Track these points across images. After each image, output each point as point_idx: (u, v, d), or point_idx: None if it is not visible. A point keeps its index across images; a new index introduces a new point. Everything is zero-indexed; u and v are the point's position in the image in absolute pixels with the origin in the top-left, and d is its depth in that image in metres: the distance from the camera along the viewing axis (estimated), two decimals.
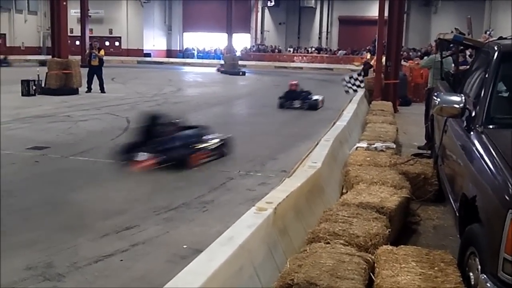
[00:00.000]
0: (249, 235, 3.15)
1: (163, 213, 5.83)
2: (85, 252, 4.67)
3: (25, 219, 5.63)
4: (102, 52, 19.41)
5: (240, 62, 35.44)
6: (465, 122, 4.23)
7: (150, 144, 7.96)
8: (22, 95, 16.98)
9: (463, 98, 4.31)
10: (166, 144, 8.01)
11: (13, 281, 4.12)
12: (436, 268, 3.34)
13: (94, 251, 4.68)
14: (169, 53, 48.59)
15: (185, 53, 48.13)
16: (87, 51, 19.40)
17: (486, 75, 4.39)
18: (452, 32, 7.03)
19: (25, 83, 17.25)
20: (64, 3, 18.22)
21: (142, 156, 7.75)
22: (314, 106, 15.54)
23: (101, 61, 19.09)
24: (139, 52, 45.12)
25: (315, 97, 16.17)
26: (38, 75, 17.67)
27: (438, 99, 4.28)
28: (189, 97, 18.85)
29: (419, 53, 27.58)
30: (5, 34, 42.50)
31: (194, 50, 48.74)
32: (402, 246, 3.72)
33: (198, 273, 2.59)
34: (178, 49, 49.70)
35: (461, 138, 4.32)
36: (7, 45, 42.58)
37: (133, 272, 4.35)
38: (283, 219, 3.85)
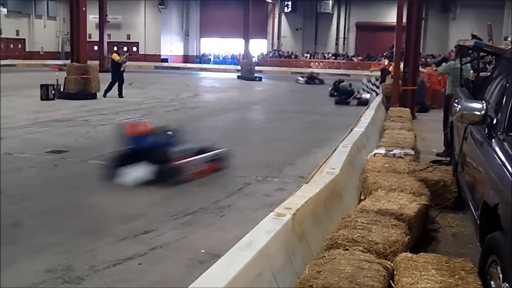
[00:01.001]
0: (268, 240, 3.15)
1: (181, 217, 5.85)
2: (104, 255, 4.70)
3: (45, 222, 5.68)
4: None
5: (256, 68, 35.52)
6: (486, 129, 4.19)
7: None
8: (41, 99, 17.15)
9: (484, 105, 4.27)
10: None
11: (32, 283, 4.16)
12: (456, 276, 3.31)
13: (113, 255, 4.71)
14: (186, 58, 48.85)
15: (202, 59, 48.37)
16: (115, 55, 19.28)
17: (508, 82, 4.34)
18: (472, 38, 6.97)
19: (44, 88, 17.43)
20: (84, 8, 18.43)
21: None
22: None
23: (124, 68, 19.29)
24: (157, 58, 45.41)
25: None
26: (57, 79, 17.86)
27: (459, 106, 4.25)
28: (206, 102, 18.93)
29: (436, 60, 27.39)
30: (24, 39, 43.10)
31: (211, 56, 48.96)
32: (421, 253, 3.69)
33: (217, 278, 2.60)
34: (195, 54, 49.96)
35: (482, 146, 4.28)
36: (27, 49, 43.21)
37: (152, 276, 4.36)
38: (302, 225, 3.84)
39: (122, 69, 19.02)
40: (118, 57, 19.00)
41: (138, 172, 7.20)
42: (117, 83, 18.80)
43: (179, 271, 4.45)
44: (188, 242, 5.14)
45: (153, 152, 7.43)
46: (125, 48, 20.52)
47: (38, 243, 5.01)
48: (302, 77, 30.82)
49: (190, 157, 7.63)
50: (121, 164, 7.37)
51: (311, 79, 30.00)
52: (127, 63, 19.88)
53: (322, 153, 8.90)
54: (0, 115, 11.81)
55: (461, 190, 5.54)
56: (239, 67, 35.79)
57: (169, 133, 8.09)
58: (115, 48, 21.87)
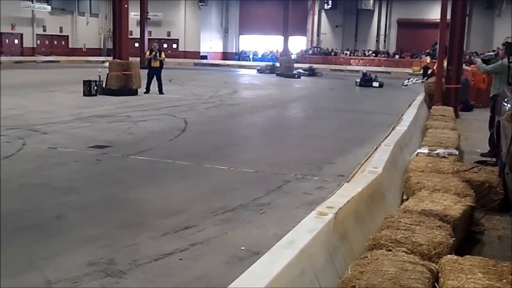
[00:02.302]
0: (310, 239, 3.12)
1: (220, 214, 5.87)
2: (146, 250, 4.75)
3: (88, 216, 5.78)
4: (163, 55, 19.81)
5: (296, 65, 35.44)
6: None
7: None
8: (84, 95, 17.51)
9: None
10: None
11: (76, 276, 4.22)
12: (504, 281, 3.21)
13: (154, 249, 4.75)
14: (225, 55, 49.13)
15: (241, 56, 48.51)
16: (147, 52, 19.81)
17: None
18: None
19: (87, 84, 17.79)
20: (126, 6, 18.71)
21: None
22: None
23: (161, 63, 19.49)
24: (196, 54, 45.79)
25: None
26: (100, 75, 18.19)
27: (508, 105, 4.12)
28: (245, 99, 18.96)
29: (481, 57, 26.78)
30: (68, 36, 44.09)
31: (250, 53, 49.06)
32: (467, 256, 3.59)
33: (260, 276, 2.59)
34: (234, 51, 50.16)
35: None
36: (70, 46, 44.21)
37: (192, 271, 4.39)
38: (344, 224, 3.80)
39: (154, 64, 19.24)
40: (148, 54, 19.56)
41: None
42: (156, 80, 19.04)
43: (219, 268, 4.46)
44: (228, 238, 5.15)
45: None
46: (156, 44, 20.96)
47: (81, 236, 5.10)
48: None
49: None
50: None
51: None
52: (166, 59, 20.16)
53: (363, 152, 8.80)
54: (0, 116, 12.13)
55: (508, 191, 5.38)
56: (277, 64, 35.79)
57: None
58: (165, 46, 22.46)
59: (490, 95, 9.42)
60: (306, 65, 36.87)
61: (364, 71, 28.47)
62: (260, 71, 36.29)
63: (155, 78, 19.13)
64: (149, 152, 9.07)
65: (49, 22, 41.82)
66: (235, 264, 4.47)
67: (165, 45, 44.85)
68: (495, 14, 39.19)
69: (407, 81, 27.91)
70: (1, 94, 15.48)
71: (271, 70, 35.47)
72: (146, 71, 19.43)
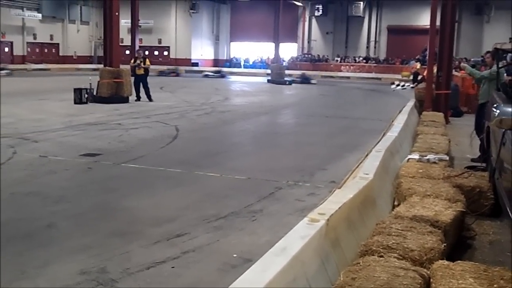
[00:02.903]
0: (302, 246, 3.13)
1: (213, 221, 5.86)
2: (137, 258, 4.74)
3: (79, 224, 5.76)
4: (148, 61, 19.75)
5: (286, 72, 35.49)
6: None
7: None
8: (75, 103, 17.44)
9: None
10: None
11: (67, 285, 4.21)
12: (495, 286, 3.23)
13: (146, 258, 4.74)
14: (216, 62, 49.10)
15: (232, 63, 48.55)
16: (132, 60, 19.74)
17: None
18: (510, 41, 6.81)
19: (78, 91, 17.72)
20: (117, 13, 18.68)
21: None
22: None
23: (146, 71, 19.43)
24: (187, 62, 45.74)
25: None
26: (90, 83, 18.14)
27: (498, 111, 4.16)
28: (237, 106, 18.98)
29: (471, 63, 26.99)
30: (58, 44, 43.95)
31: (241, 60, 49.13)
32: (459, 261, 3.62)
33: (253, 283, 2.60)
34: (225, 58, 50.20)
35: None
36: (60, 54, 44.05)
37: (185, 279, 4.38)
38: (336, 231, 3.81)
39: (138, 72, 19.18)
40: (132, 62, 19.51)
41: None
42: (143, 87, 19.02)
43: (211, 275, 4.45)
44: (220, 246, 5.15)
45: None
46: (141, 52, 20.93)
47: (73, 245, 5.08)
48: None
49: None
50: None
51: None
52: (153, 66, 20.06)
53: (354, 158, 8.83)
54: (0, 121, 12.03)
55: (498, 196, 5.42)
56: (269, 71, 35.80)
57: None
58: (146, 53, 22.38)
59: (480, 102, 9.41)
60: (298, 72, 37.00)
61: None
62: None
63: (141, 85, 19.10)
64: (141, 160, 9.05)
65: (40, 30, 41.67)
66: (227, 272, 4.47)
67: (156, 52, 44.80)
68: (484, 20, 39.50)
69: (394, 85, 28.01)
70: (0, 103, 15.39)
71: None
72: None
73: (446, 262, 3.57)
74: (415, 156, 6.97)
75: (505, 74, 8.66)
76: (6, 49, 39.61)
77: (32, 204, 6.47)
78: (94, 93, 18.19)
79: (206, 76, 37.99)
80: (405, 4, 41.53)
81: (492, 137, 6.20)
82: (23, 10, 39.48)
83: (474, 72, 10.02)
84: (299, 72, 36.83)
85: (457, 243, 4.96)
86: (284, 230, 3.72)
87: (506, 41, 7.14)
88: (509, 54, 9.18)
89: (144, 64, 19.30)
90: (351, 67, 42.74)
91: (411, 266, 3.46)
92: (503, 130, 4.89)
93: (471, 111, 15.93)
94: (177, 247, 5.02)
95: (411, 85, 19.18)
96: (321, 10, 44.96)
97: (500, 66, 8.04)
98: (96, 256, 4.77)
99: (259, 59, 48.04)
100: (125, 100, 18.46)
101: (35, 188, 7.16)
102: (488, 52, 10.45)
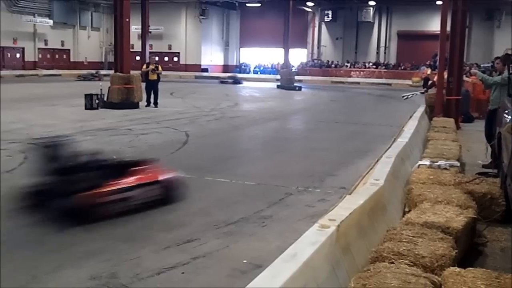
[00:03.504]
0: (312, 252, 3.12)
1: (222, 227, 5.87)
2: (148, 263, 4.75)
3: (90, 229, 5.76)
4: (160, 68, 19.87)
5: (296, 77, 35.51)
6: None
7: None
8: (86, 108, 17.54)
9: None
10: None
11: None
12: None
13: (156, 263, 4.75)
14: (226, 68, 49.25)
15: (242, 68, 48.67)
16: (144, 66, 19.88)
17: None
18: None
19: (89, 97, 17.83)
20: (127, 20, 18.80)
21: None
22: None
23: (158, 77, 19.54)
24: (197, 67, 45.91)
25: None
26: (101, 89, 18.24)
27: (509, 117, 4.13)
28: (246, 112, 19.00)
29: (481, 69, 26.85)
30: (69, 50, 44.29)
31: (251, 65, 49.24)
32: (470, 268, 3.59)
33: None
34: (235, 64, 50.33)
35: None
36: (71, 60, 44.38)
37: (194, 285, 4.38)
38: (346, 237, 3.79)
39: (152, 77, 19.27)
40: (145, 67, 19.64)
41: None
42: (153, 92, 19.12)
43: (221, 281, 4.45)
44: (230, 252, 5.15)
45: None
46: (154, 58, 21.15)
47: (84, 250, 5.10)
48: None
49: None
50: None
51: None
52: (164, 72, 20.24)
53: (364, 164, 8.81)
54: (0, 126, 12.14)
55: (510, 203, 5.38)
56: (278, 77, 35.87)
57: None
58: (156, 58, 22.60)
59: (491, 108, 9.30)
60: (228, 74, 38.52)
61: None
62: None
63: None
64: None
65: (51, 36, 42.02)
66: (237, 278, 4.46)
67: (166, 58, 45.00)
68: (494, 26, 39.34)
69: (407, 95, 27.92)
70: (1, 108, 15.48)
71: None
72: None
73: (457, 269, 3.54)
74: (426, 162, 6.94)
75: None
76: (18, 55, 39.97)
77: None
78: (105, 99, 18.28)
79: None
80: (415, 9, 41.48)
81: (504, 143, 6.16)
82: (34, 16, 39.88)
83: (486, 78, 9.90)
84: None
85: (469, 250, 4.92)
86: (294, 236, 3.72)
87: None
88: None
89: (158, 70, 19.40)
90: (361, 72, 42.69)
91: (422, 273, 3.44)
92: None
93: (482, 117, 15.84)
94: (187, 253, 5.03)
95: (421, 91, 19.08)
96: (330, 16, 45.02)
97: (511, 72, 7.98)
98: (106, 261, 4.79)
99: (269, 65, 48.12)
100: (136, 105, 18.54)
101: None
102: (497, 57, 10.38)
